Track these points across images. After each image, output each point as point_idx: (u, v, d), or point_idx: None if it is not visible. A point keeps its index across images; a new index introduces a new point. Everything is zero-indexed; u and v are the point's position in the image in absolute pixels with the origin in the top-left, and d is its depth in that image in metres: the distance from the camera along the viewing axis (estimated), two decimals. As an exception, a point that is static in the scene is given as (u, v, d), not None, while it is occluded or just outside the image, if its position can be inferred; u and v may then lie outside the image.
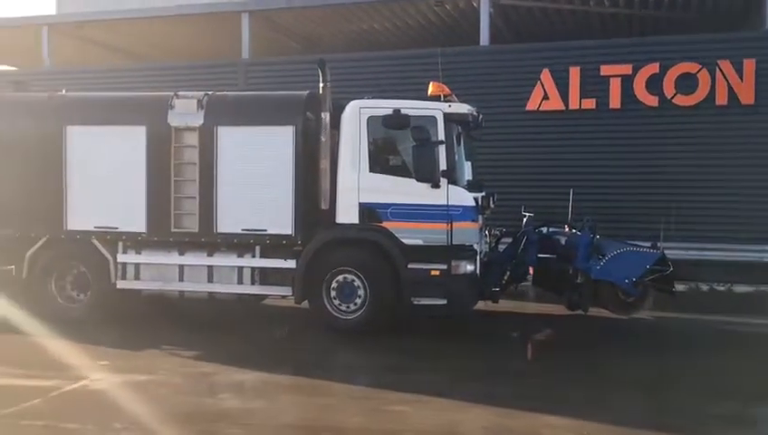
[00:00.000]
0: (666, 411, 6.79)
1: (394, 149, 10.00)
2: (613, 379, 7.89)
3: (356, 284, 9.77)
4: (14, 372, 7.88)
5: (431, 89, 10.09)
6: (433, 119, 9.60)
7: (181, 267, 10.09)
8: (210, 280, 10.06)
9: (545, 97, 14.63)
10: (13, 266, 10.35)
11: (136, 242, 10.23)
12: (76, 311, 10.34)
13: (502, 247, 11.14)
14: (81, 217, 10.22)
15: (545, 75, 14.63)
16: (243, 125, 9.99)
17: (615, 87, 14.39)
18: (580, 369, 8.32)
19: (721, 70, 13.64)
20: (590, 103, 14.46)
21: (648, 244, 10.62)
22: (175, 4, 18.08)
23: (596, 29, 17.49)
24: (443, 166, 9.51)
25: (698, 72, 13.78)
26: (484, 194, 10.10)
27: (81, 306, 10.39)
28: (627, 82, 14.29)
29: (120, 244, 10.24)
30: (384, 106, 9.73)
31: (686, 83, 13.86)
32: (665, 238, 10.83)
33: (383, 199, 9.67)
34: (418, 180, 9.53)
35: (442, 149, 9.53)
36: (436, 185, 9.48)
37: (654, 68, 14.07)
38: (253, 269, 9.99)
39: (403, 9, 16.94)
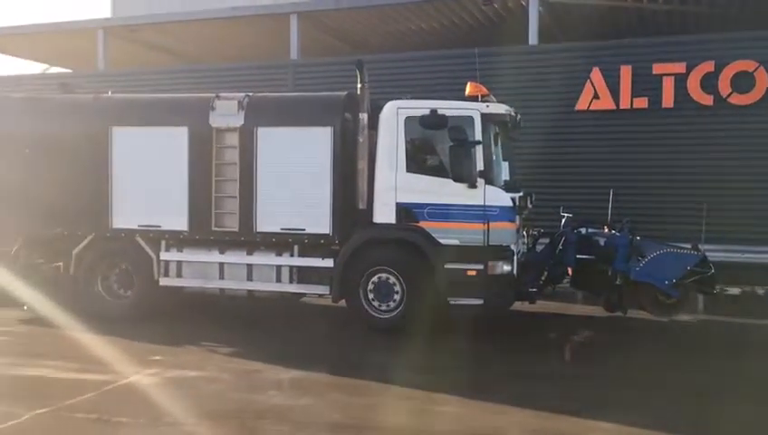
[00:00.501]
0: (717, 417, 6.71)
1: (431, 149, 10.16)
2: (657, 382, 7.86)
3: (393, 283, 9.97)
4: (69, 366, 8.25)
5: (469, 89, 10.21)
6: (470, 119, 9.74)
7: (221, 265, 10.44)
8: (249, 278, 10.39)
9: (595, 96, 14.57)
10: (61, 263, 10.88)
11: (178, 240, 10.63)
12: (120, 307, 10.79)
13: (540, 248, 11.18)
14: (126, 215, 10.67)
15: (596, 74, 14.59)
16: (282, 126, 10.27)
17: (668, 86, 14.28)
18: (622, 372, 8.32)
19: (779, 67, 13.43)
20: (641, 102, 14.37)
21: (689, 245, 10.55)
22: (226, 6, 18.58)
23: (649, 27, 17.31)
24: (480, 166, 9.66)
25: (755, 70, 13.54)
26: (521, 194, 10.19)
27: (126, 303, 10.84)
28: (680, 80, 14.13)
29: (163, 242, 10.65)
30: (421, 106, 9.90)
31: (743, 82, 13.64)
32: (713, 240, 10.76)
33: (420, 199, 9.84)
34: (455, 180, 9.69)
35: (479, 150, 9.67)
36: (472, 185, 9.62)
37: (709, 66, 13.86)
38: (291, 268, 10.28)
39: (450, 9, 17.08)
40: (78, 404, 6.89)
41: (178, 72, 17.79)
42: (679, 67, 14.15)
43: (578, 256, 10.55)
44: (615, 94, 14.44)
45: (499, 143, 10.19)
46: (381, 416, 6.81)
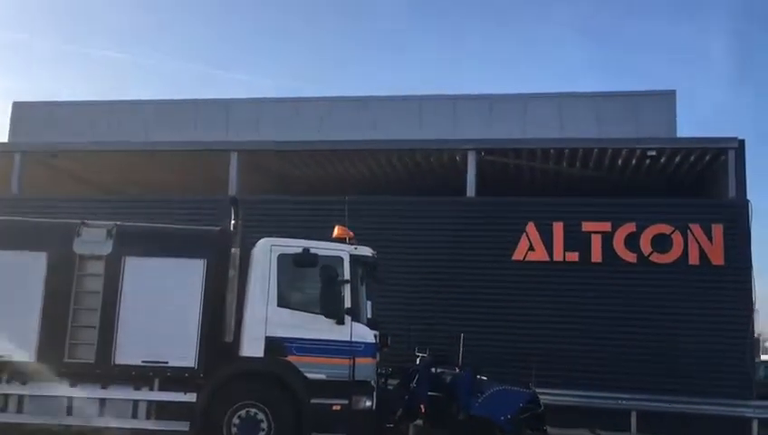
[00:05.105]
0: None
1: (302, 285, 11.37)
2: None
3: (259, 418, 10.79)
4: None
5: (336, 231, 11.65)
6: (340, 259, 11.12)
7: (70, 400, 10.84)
8: (101, 414, 10.82)
9: (531, 248, 16.53)
10: None
11: (22, 372, 10.90)
12: None
13: (391, 386, 12.24)
14: None
15: (530, 228, 16.56)
16: (153, 256, 11.15)
17: (596, 243, 16.22)
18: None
19: (692, 233, 15.78)
20: (573, 256, 16.31)
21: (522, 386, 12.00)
22: (150, 141, 20.27)
23: (578, 187, 19.34)
24: (348, 303, 10.89)
25: (672, 233, 15.86)
26: (379, 332, 11.46)
27: None
28: (607, 238, 16.22)
29: (5, 374, 10.94)
30: (294, 245, 11.22)
31: (662, 243, 15.90)
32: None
33: (289, 334, 10.94)
34: (324, 316, 10.86)
35: (347, 288, 10.94)
36: (340, 321, 10.83)
37: (631, 227, 16.17)
38: (150, 403, 10.87)
39: (387, 157, 19.17)
40: None
41: (93, 202, 18.96)
42: (605, 226, 16.31)
43: (429, 393, 11.75)
44: (549, 247, 16.39)
45: (364, 283, 11.50)
46: None
